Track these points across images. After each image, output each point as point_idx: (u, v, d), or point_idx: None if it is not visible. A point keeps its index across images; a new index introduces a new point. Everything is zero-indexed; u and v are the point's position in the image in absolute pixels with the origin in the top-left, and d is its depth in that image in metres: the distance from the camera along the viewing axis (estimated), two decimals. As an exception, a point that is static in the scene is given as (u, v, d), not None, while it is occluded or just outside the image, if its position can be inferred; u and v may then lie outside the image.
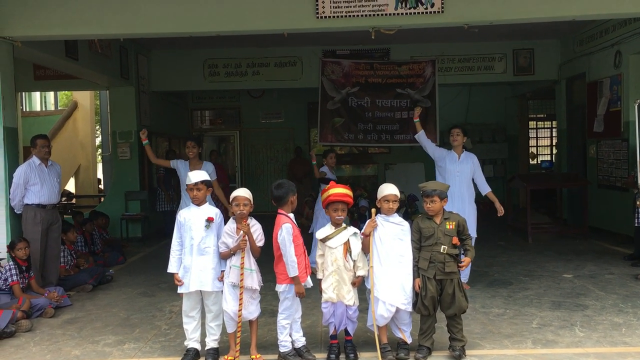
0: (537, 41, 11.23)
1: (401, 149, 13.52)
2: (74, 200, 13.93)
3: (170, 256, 4.49)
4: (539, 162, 18.17)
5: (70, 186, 15.46)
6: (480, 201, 6.81)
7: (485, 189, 6.49)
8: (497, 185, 12.67)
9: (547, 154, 18.37)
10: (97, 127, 17.93)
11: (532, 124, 16.15)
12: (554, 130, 16.80)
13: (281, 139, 14.91)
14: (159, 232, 11.02)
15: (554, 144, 17.04)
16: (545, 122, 17.23)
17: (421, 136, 6.70)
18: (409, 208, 11.63)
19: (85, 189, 15.39)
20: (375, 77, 11.24)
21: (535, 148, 17.88)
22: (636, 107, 6.82)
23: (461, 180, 6.36)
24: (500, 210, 6.35)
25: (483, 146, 13.96)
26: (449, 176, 6.36)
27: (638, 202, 6.89)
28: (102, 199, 13.41)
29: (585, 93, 10.27)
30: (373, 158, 14.76)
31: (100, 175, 17.06)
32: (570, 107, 11.20)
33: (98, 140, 18.62)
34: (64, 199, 13.07)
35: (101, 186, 16.21)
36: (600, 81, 9.61)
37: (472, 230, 6.29)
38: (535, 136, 17.56)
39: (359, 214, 10.79)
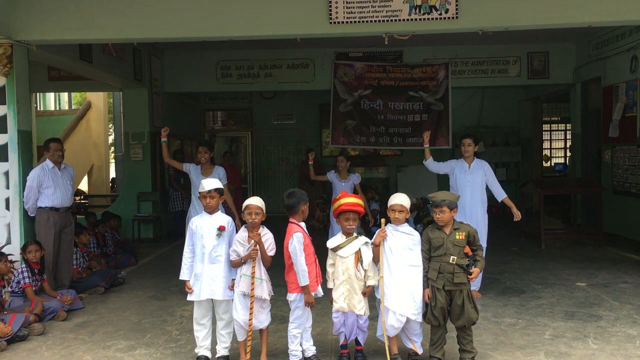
0: (552, 44, 11.13)
1: (413, 152, 13.43)
2: (84, 199, 14.04)
3: (182, 263, 4.51)
4: (553, 164, 18.06)
5: (84, 185, 15.58)
6: (493, 205, 6.76)
7: (501, 195, 6.42)
8: (510, 188, 12.53)
9: (561, 157, 18.24)
10: (110, 125, 18.06)
11: (545, 126, 16.04)
12: (568, 132, 16.68)
13: (293, 141, 14.92)
14: (171, 232, 11.08)
15: (567, 146, 16.91)
16: (560, 125, 17.11)
17: (430, 164, 6.63)
18: (421, 212, 11.61)
19: (98, 188, 15.50)
20: (388, 80, 11.19)
21: (549, 151, 17.75)
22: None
23: (473, 189, 6.32)
24: (517, 216, 6.29)
25: (496, 149, 13.89)
26: (461, 186, 6.33)
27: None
28: (115, 199, 13.49)
29: (600, 97, 10.17)
30: (385, 160, 14.71)
31: (113, 174, 17.18)
32: (585, 111, 11.09)
33: (111, 138, 18.76)
34: (77, 198, 13.20)
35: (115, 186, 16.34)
36: (616, 86, 9.50)
37: (483, 240, 6.25)
38: (549, 138, 17.44)
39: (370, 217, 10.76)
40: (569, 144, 16.25)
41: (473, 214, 6.26)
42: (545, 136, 16.11)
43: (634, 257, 8.33)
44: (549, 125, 16.55)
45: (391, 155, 14.71)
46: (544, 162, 15.68)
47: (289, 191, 4.48)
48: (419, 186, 13.65)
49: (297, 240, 4.26)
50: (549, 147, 17.78)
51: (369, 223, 10.31)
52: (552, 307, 5.90)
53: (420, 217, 11.35)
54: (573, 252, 8.85)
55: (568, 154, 16.36)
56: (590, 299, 6.15)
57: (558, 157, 18.38)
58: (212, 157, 6.93)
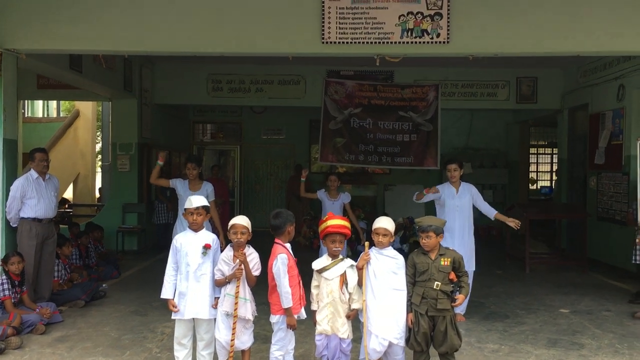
0: (541, 70, 11.26)
1: (401, 171, 13.47)
2: (68, 207, 13.90)
3: (165, 280, 4.44)
4: (539, 187, 18.19)
5: (69, 194, 15.43)
6: (479, 226, 6.76)
7: (492, 213, 6.43)
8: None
9: (547, 180, 18.38)
10: (99, 133, 17.94)
11: (532, 150, 16.17)
12: (554, 156, 16.82)
13: (282, 156, 14.91)
14: (155, 245, 10.97)
15: (554, 169, 17.05)
16: (546, 149, 17.27)
17: (423, 200, 6.45)
18: (407, 231, 11.61)
19: (83, 197, 15.35)
20: (378, 99, 11.25)
21: (535, 173, 17.88)
22: (638, 144, 6.81)
23: (462, 214, 6.30)
24: (516, 224, 6.20)
25: (484, 171, 13.95)
26: (449, 211, 6.29)
27: (638, 240, 6.85)
28: (100, 209, 13.36)
29: (587, 124, 10.28)
30: (373, 178, 14.73)
31: (99, 184, 17.05)
32: (572, 136, 11.21)
33: (98, 146, 18.62)
34: (64, 206, 13.08)
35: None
36: (602, 113, 9.61)
37: (472, 264, 6.25)
38: (535, 161, 17.58)
39: (356, 236, 10.74)
40: (555, 167, 16.40)
41: (462, 239, 6.25)
42: (532, 159, 16.24)
43: (617, 284, 8.37)
44: (536, 148, 16.69)
45: (379, 173, 14.74)
46: (530, 185, 15.79)
47: (276, 211, 4.45)
48: (407, 205, 13.61)
49: (281, 262, 4.22)
50: (535, 170, 17.93)
51: (356, 242, 10.31)
52: (535, 333, 5.90)
53: (407, 236, 11.35)
54: (557, 277, 8.88)
55: (554, 177, 16.50)
56: (573, 327, 6.16)
57: (544, 180, 18.53)
58: (200, 173, 6.90)
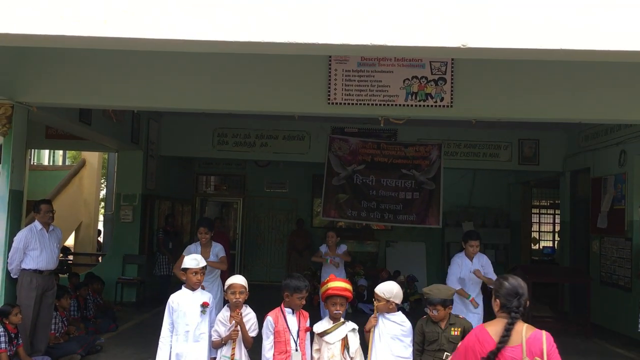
0: (543, 132, 11.39)
1: (403, 228, 13.47)
2: (71, 257, 13.84)
3: (160, 342, 4.39)
4: (541, 247, 18.08)
5: (70, 242, 15.38)
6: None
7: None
8: (498, 271, 12.44)
9: (550, 240, 18.29)
10: (103, 181, 18.03)
11: (535, 210, 16.16)
12: (557, 216, 16.80)
13: (284, 209, 14.91)
14: (155, 298, 10.85)
15: (556, 230, 16.99)
16: (549, 209, 17.26)
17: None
18: (407, 289, 11.50)
19: (84, 246, 15.29)
20: (382, 157, 11.36)
21: (537, 233, 17.81)
22: (640, 210, 6.83)
23: (476, 284, 6.46)
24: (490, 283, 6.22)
25: (486, 230, 13.87)
26: (467, 282, 6.42)
27: (642, 307, 6.78)
28: (100, 258, 13.31)
29: (589, 187, 10.32)
30: (374, 234, 14.70)
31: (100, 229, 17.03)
32: (574, 199, 11.23)
33: (102, 193, 18.66)
34: (69, 257, 13.04)
35: (100, 238, 16.15)
36: (604, 178, 9.67)
37: None
38: (537, 221, 17.54)
39: (357, 293, 10.66)
40: (557, 227, 16.35)
41: (476, 308, 6.37)
42: (535, 219, 16.21)
43: (622, 351, 8.22)
44: (538, 209, 16.69)
45: (381, 229, 14.71)
46: (532, 245, 15.70)
47: (297, 276, 4.40)
48: (408, 262, 13.61)
49: (266, 323, 4.24)
50: (537, 229, 17.87)
51: (356, 299, 10.21)
52: (539, 403, 5.75)
53: (407, 294, 11.24)
54: (561, 343, 8.54)
55: (557, 237, 16.43)
56: (578, 397, 6.02)
57: (547, 240, 18.44)
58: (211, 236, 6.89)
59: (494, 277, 6.45)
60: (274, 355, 4.16)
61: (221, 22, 3.84)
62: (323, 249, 8.11)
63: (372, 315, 4.33)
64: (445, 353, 4.21)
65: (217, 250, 6.70)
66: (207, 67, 6.45)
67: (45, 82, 6.51)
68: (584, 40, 3.81)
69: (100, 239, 15.95)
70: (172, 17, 3.83)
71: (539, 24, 3.83)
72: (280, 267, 14.06)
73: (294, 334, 4.23)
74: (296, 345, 4.20)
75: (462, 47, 3.91)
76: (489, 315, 6.99)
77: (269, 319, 4.22)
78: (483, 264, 6.47)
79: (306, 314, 4.36)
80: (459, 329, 4.31)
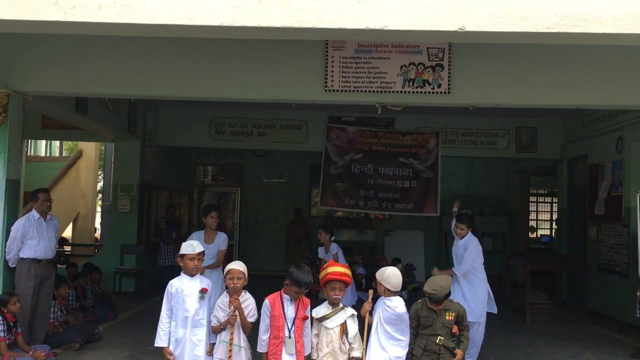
0: (541, 120, 11.38)
1: (401, 216, 13.47)
2: (68, 248, 13.84)
3: (159, 328, 4.40)
4: (539, 236, 18.15)
5: (68, 233, 15.39)
6: (492, 275, 6.82)
7: (459, 270, 6.41)
8: (496, 259, 12.59)
9: (547, 229, 18.36)
10: (100, 172, 18.01)
11: (532, 198, 16.21)
12: (554, 205, 16.86)
13: (282, 199, 14.90)
14: (153, 287, 10.85)
15: (554, 218, 17.05)
16: (546, 197, 17.32)
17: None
18: (406, 277, 11.53)
19: (82, 237, 15.30)
20: (379, 145, 11.34)
21: (535, 222, 17.87)
22: (638, 197, 6.84)
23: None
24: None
25: (484, 219, 13.91)
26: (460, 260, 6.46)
27: (639, 293, 6.81)
28: (98, 248, 13.30)
29: (587, 174, 10.32)
30: (373, 223, 14.72)
31: (98, 223, 17.04)
32: (571, 187, 11.24)
33: (99, 185, 18.64)
34: (66, 247, 13.02)
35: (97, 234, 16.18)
36: (602, 164, 9.67)
37: (478, 315, 6.27)
38: (535, 210, 17.60)
39: (355, 282, 10.67)
40: (555, 215, 16.41)
41: (470, 285, 6.40)
42: (532, 207, 16.26)
43: (618, 337, 8.26)
44: (535, 197, 16.74)
45: (379, 218, 14.73)
46: (530, 233, 15.76)
47: (305, 270, 4.32)
48: (406, 251, 13.64)
49: (264, 306, 4.27)
50: (535, 218, 17.93)
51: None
52: (537, 387, 5.80)
53: (405, 283, 11.27)
54: (558, 329, 8.77)
55: (554, 225, 16.49)
56: (575, 381, 6.06)
57: (544, 228, 18.52)
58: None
59: (462, 266, 6.42)
60: (269, 338, 4.18)
61: (218, 6, 3.82)
62: (321, 253, 8.10)
63: (367, 301, 4.35)
64: (439, 337, 4.24)
65: (221, 240, 6.54)
66: (204, 54, 6.41)
67: (41, 71, 6.47)
68: (582, 23, 3.80)
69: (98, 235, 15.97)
70: (169, 1, 3.81)
71: (537, 7, 3.82)
72: (278, 257, 14.09)
73: (289, 321, 4.22)
74: (289, 333, 4.19)
75: (459, 30, 3.90)
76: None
77: (267, 302, 4.25)
78: (467, 247, 6.46)
79: (307, 301, 4.36)
80: (453, 314, 4.35)
